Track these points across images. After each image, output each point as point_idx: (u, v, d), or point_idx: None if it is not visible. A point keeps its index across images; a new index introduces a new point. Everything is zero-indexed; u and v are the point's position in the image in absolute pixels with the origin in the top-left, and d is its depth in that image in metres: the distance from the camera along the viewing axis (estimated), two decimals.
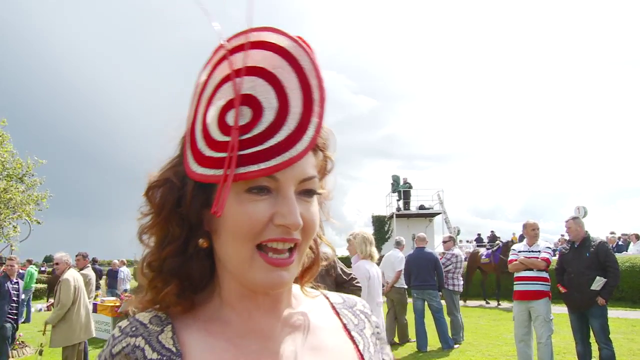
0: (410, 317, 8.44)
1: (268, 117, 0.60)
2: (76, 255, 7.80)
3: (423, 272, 7.93)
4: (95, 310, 9.44)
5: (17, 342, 8.19)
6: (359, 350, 0.73)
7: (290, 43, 0.64)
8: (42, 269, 26.85)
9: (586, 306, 5.52)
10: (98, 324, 9.94)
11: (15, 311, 7.04)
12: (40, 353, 6.33)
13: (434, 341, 8.04)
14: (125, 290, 14.27)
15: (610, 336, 5.51)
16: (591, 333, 5.65)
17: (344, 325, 0.77)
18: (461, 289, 8.73)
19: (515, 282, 5.96)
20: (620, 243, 15.94)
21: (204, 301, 0.71)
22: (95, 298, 9.76)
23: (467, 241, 24.70)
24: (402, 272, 8.20)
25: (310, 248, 0.75)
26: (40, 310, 16.17)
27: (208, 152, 0.62)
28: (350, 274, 4.22)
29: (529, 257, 5.78)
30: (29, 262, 16.89)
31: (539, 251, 5.81)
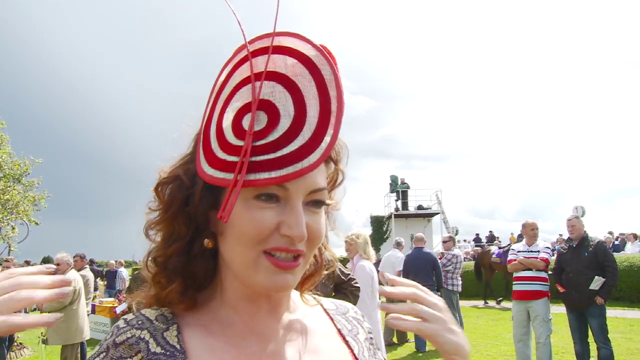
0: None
1: (284, 125, 0.60)
2: (74, 257, 7.78)
3: (421, 272, 7.93)
4: (93, 312, 9.44)
5: (15, 344, 8.17)
6: (354, 354, 0.74)
7: (313, 51, 0.64)
8: None
9: (585, 306, 5.53)
10: (96, 324, 9.93)
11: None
12: (44, 342, 6.34)
13: None
14: (120, 291, 14.22)
15: (608, 335, 5.52)
16: (589, 332, 5.66)
17: (339, 331, 0.78)
18: (460, 289, 8.75)
19: (514, 282, 5.97)
20: (616, 243, 15.97)
21: (206, 300, 0.71)
22: (93, 299, 9.74)
23: (465, 241, 24.73)
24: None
25: (314, 256, 0.75)
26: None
27: (220, 154, 0.62)
28: (349, 274, 4.22)
29: (528, 257, 5.79)
30: (27, 262, 16.86)
31: (538, 251, 5.82)
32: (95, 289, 14.86)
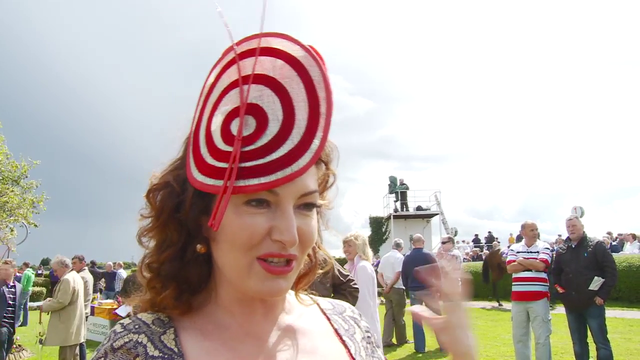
0: (408, 318, 8.45)
1: (272, 129, 0.59)
2: (72, 258, 7.77)
3: None
4: (92, 313, 9.42)
5: (14, 346, 8.15)
6: (351, 355, 0.74)
7: (301, 52, 0.64)
8: (39, 272, 26.73)
9: (584, 306, 5.53)
10: (95, 326, 9.91)
11: (12, 315, 7.00)
12: (41, 342, 6.34)
13: (431, 342, 8.03)
14: (119, 293, 14.20)
15: (607, 336, 5.52)
16: (588, 333, 5.66)
17: (335, 330, 0.78)
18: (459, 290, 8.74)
19: (513, 283, 5.97)
20: (614, 244, 15.94)
21: (201, 304, 0.71)
22: (92, 301, 9.72)
23: (463, 241, 24.74)
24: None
25: (308, 256, 0.75)
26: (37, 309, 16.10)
27: (210, 160, 0.61)
28: (347, 275, 4.22)
29: (527, 258, 5.79)
30: (26, 265, 16.83)
31: (538, 252, 5.82)
32: (100, 291, 14.85)
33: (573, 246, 5.74)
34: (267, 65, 0.63)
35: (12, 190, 16.24)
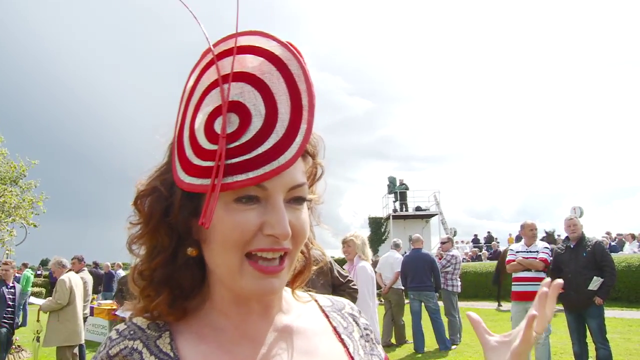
0: (407, 318, 8.45)
1: (256, 124, 0.59)
2: (72, 259, 7.76)
3: (420, 273, 7.95)
4: (92, 314, 9.40)
5: (13, 347, 8.14)
6: (349, 353, 0.74)
7: (279, 48, 0.64)
8: (39, 272, 26.72)
9: (583, 306, 5.53)
10: (95, 327, 9.90)
11: (11, 315, 7.00)
12: (38, 340, 6.33)
13: (431, 342, 8.04)
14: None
15: (606, 336, 5.53)
16: (588, 333, 5.67)
17: (334, 329, 0.77)
18: (459, 290, 8.76)
19: (513, 283, 5.98)
20: (613, 244, 15.94)
21: (196, 308, 0.70)
22: (91, 302, 9.71)
23: (462, 241, 24.75)
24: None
25: (302, 253, 0.74)
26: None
27: (196, 161, 0.61)
28: (347, 276, 4.22)
29: (527, 258, 5.80)
30: (25, 265, 16.82)
31: (537, 252, 5.84)
32: (97, 291, 14.81)
33: (572, 246, 5.75)
34: (245, 63, 0.63)
35: (11, 191, 16.20)
